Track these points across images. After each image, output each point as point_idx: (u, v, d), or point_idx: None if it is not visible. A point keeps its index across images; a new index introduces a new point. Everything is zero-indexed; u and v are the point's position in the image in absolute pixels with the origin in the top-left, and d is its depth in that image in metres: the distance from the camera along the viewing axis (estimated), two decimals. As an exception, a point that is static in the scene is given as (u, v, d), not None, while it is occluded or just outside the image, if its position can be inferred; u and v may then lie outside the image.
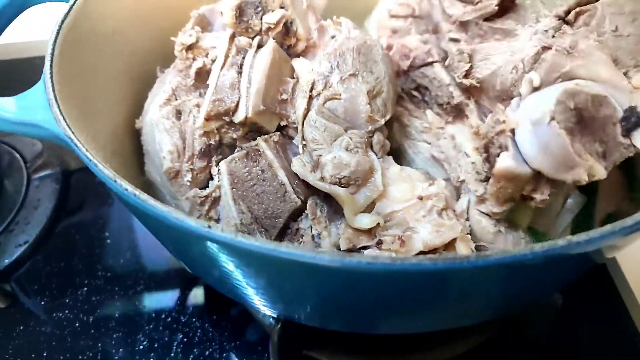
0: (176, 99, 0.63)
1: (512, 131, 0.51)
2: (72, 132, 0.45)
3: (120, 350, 0.73)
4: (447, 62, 0.61)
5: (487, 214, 0.58)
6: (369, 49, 0.61)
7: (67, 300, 0.79)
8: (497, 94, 0.57)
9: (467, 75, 0.59)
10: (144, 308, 0.77)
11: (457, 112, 0.62)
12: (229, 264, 0.46)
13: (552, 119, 0.47)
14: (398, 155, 0.68)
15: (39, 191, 0.90)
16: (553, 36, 0.53)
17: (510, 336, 0.73)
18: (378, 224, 0.56)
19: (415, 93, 0.67)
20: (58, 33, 0.53)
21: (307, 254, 0.35)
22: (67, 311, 0.78)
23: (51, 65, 0.50)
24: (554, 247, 0.35)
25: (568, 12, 0.56)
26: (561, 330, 0.73)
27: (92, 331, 0.75)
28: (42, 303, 0.79)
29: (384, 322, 0.58)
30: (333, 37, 0.65)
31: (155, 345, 0.73)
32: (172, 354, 0.72)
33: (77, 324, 0.76)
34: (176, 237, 0.48)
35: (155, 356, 0.72)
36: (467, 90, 0.61)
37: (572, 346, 0.72)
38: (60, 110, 0.46)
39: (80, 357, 0.73)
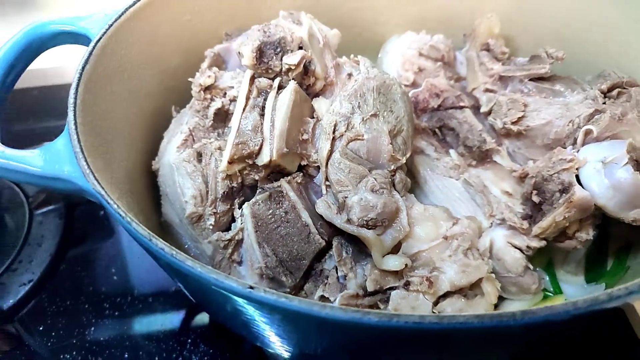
0: (194, 140, 0.63)
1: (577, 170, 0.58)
2: (102, 187, 0.44)
3: (132, 393, 0.71)
4: (488, 108, 0.67)
5: (519, 249, 0.61)
6: (388, 88, 0.62)
7: (74, 341, 0.77)
8: (547, 143, 0.63)
9: (517, 122, 0.64)
10: (153, 346, 0.75)
11: (483, 157, 0.67)
12: (260, 318, 0.46)
13: (627, 162, 0.54)
14: (414, 185, 0.70)
15: (42, 227, 0.87)
16: (604, 103, 0.63)
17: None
18: (406, 265, 0.56)
19: (437, 132, 0.70)
20: (79, 81, 0.52)
21: (355, 316, 0.35)
22: (74, 352, 0.75)
23: (75, 116, 0.49)
24: (596, 301, 0.36)
25: (609, 90, 0.66)
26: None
27: (102, 373, 0.73)
28: (49, 344, 0.77)
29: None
30: (349, 74, 0.66)
31: (168, 384, 0.72)
32: (186, 396, 0.71)
33: (86, 366, 0.74)
34: (209, 293, 0.47)
35: (167, 395, 0.71)
36: (506, 136, 0.67)
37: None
38: (87, 164, 0.45)
39: (90, 399, 0.71)
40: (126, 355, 0.75)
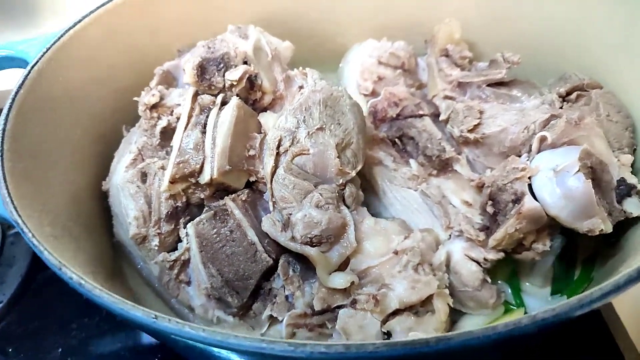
0: (143, 159, 0.62)
1: (529, 179, 0.55)
2: (19, 215, 0.43)
3: (97, 418, 0.70)
4: (446, 116, 0.65)
5: (476, 262, 0.59)
6: (335, 100, 0.60)
7: (41, 364, 0.76)
8: (503, 150, 0.61)
9: (473, 129, 0.62)
10: (122, 370, 0.74)
11: (444, 166, 0.65)
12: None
13: (579, 169, 0.52)
14: (373, 197, 0.68)
15: (14, 248, 0.87)
16: (560, 107, 0.61)
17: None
18: (352, 282, 0.55)
19: (397, 141, 0.68)
20: (11, 106, 0.52)
21: (259, 345, 0.33)
22: (41, 374, 0.75)
23: (2, 142, 0.48)
24: (517, 325, 0.34)
25: (568, 93, 0.64)
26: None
27: (69, 398, 0.72)
28: (19, 364, 0.76)
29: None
30: (300, 87, 0.64)
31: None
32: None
33: (52, 390, 0.73)
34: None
35: None
36: (464, 144, 0.64)
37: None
38: (8, 192, 0.45)
39: None
40: (93, 378, 0.75)
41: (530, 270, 0.64)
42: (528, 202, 0.53)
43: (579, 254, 0.64)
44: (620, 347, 0.69)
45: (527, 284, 0.64)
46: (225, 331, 0.35)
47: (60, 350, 0.78)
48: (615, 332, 0.71)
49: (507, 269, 0.63)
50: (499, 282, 0.62)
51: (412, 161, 0.67)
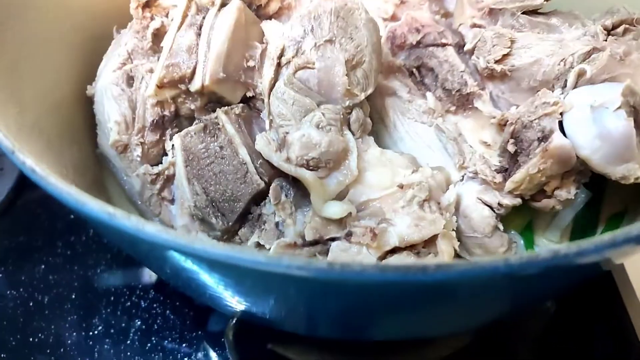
0: (132, 63, 0.56)
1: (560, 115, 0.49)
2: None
3: (74, 334, 0.68)
4: (472, 45, 0.58)
5: (489, 206, 0.53)
6: (349, 12, 0.53)
7: (22, 277, 0.74)
8: (533, 85, 0.54)
9: (501, 60, 0.55)
10: (103, 290, 0.71)
11: (464, 102, 0.58)
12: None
13: (619, 107, 0.46)
14: (383, 130, 0.62)
15: (2, 160, 0.84)
16: (605, 40, 0.53)
17: (499, 339, 0.66)
18: (350, 213, 0.49)
19: (415, 72, 0.61)
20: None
21: (232, 253, 0.28)
22: (21, 289, 0.72)
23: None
24: (534, 259, 0.28)
25: (614, 27, 0.56)
26: (555, 335, 0.66)
27: (47, 312, 0.70)
28: (-5, 277, 0.74)
29: (345, 329, 0.51)
30: (313, -3, 0.57)
31: (112, 330, 0.68)
32: (129, 341, 0.67)
33: (31, 304, 0.71)
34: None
35: (110, 342, 0.67)
36: (489, 78, 0.57)
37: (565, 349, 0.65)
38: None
39: (31, 339, 0.68)
40: (73, 296, 0.72)
41: (547, 224, 0.58)
42: (557, 139, 0.47)
43: (604, 210, 0.57)
44: (630, 314, 0.64)
45: (542, 239, 0.58)
46: (190, 235, 0.30)
47: (43, 267, 0.75)
48: (627, 298, 0.65)
49: (523, 220, 0.57)
50: (511, 232, 0.57)
51: (428, 94, 0.60)
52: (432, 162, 0.58)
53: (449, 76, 0.59)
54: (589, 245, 0.29)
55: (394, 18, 0.67)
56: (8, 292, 0.73)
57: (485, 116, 0.57)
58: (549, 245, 0.57)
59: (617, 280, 0.63)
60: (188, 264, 0.34)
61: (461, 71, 0.59)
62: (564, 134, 0.48)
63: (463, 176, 0.56)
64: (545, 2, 0.57)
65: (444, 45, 0.61)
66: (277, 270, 0.28)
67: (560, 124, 0.49)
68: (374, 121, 0.60)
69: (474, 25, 0.62)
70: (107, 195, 0.61)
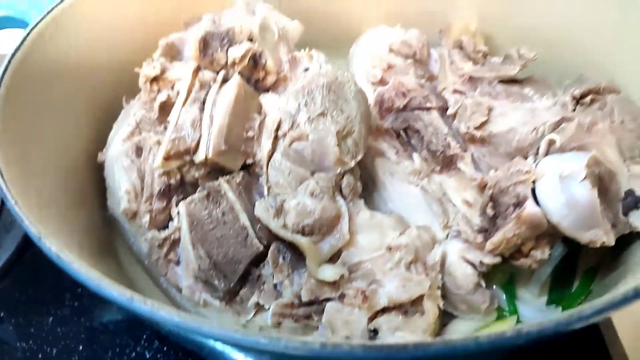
0: (140, 133, 0.60)
1: (533, 183, 0.54)
2: (4, 182, 0.42)
3: (81, 387, 0.70)
4: (453, 111, 0.63)
5: (472, 264, 0.57)
6: (340, 86, 0.58)
7: (32, 330, 0.76)
8: (509, 151, 0.59)
9: (480, 127, 0.60)
10: (108, 341, 0.74)
11: (448, 162, 0.62)
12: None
13: (585, 177, 0.50)
14: (373, 190, 0.66)
15: (9, 214, 0.87)
16: (573, 110, 0.58)
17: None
18: (342, 275, 0.53)
19: (402, 133, 0.66)
20: (6, 69, 0.50)
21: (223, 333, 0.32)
22: (30, 341, 0.75)
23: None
24: (500, 337, 0.32)
25: (582, 96, 0.61)
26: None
27: (55, 365, 0.72)
28: (9, 329, 0.77)
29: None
30: (306, 69, 0.62)
31: (118, 383, 0.70)
32: (135, 393, 0.69)
33: (40, 355, 0.74)
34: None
35: (117, 395, 0.69)
36: (471, 141, 0.62)
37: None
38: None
39: (39, 392, 0.70)
40: (80, 348, 0.74)
41: (527, 278, 0.61)
42: (529, 207, 0.51)
43: (580, 264, 0.61)
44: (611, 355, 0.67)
45: (523, 291, 0.61)
46: (199, 319, 0.34)
47: (51, 319, 0.78)
48: (609, 340, 0.68)
49: (504, 274, 0.61)
50: (494, 287, 0.60)
51: (415, 155, 0.65)
52: (419, 221, 0.62)
53: (433, 138, 0.64)
54: (549, 323, 0.33)
55: (382, 82, 0.72)
56: (18, 344, 0.75)
57: (466, 177, 0.62)
58: (531, 299, 0.60)
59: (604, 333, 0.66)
60: (198, 337, 0.37)
61: (445, 134, 0.63)
62: (537, 200, 0.53)
63: (447, 234, 0.60)
64: (518, 73, 0.62)
65: (428, 108, 0.66)
66: (276, 350, 0.32)
67: (533, 190, 0.53)
68: (365, 180, 0.65)
69: (456, 91, 0.67)
70: (116, 255, 0.64)
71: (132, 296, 0.35)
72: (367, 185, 0.65)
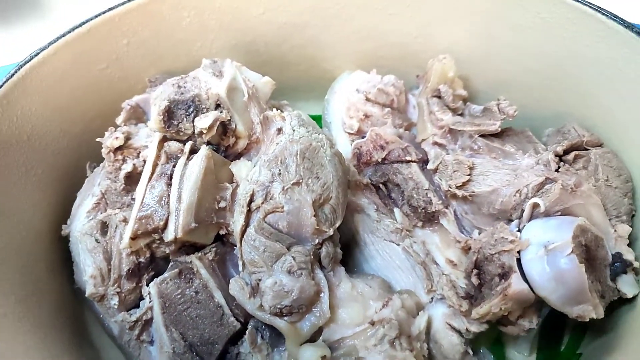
0: (107, 204, 0.57)
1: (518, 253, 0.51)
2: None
3: None
4: (434, 166, 0.61)
5: (458, 331, 0.55)
6: (314, 151, 0.55)
7: None
8: (492, 212, 0.56)
9: (462, 186, 0.58)
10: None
11: (429, 218, 0.60)
12: None
13: (572, 251, 0.48)
14: (354, 247, 0.64)
15: None
16: (557, 170, 0.56)
17: None
18: (324, 356, 0.51)
19: (381, 187, 0.64)
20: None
21: None
22: None
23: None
24: None
25: (564, 153, 0.60)
26: None
27: None
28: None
29: None
30: (279, 129, 0.59)
31: None
32: None
33: None
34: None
35: None
36: (453, 198, 0.60)
37: None
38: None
39: None
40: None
41: (515, 338, 0.60)
42: (515, 284, 0.49)
43: (568, 321, 0.60)
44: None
45: (512, 351, 0.60)
46: None
47: None
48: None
49: (492, 334, 0.59)
50: (481, 349, 0.59)
51: (396, 210, 0.62)
52: (402, 282, 0.60)
53: (414, 194, 0.61)
54: None
55: (359, 132, 0.69)
56: None
57: (450, 234, 0.60)
58: (518, 357, 0.59)
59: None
60: None
61: (425, 189, 0.61)
62: (522, 269, 0.51)
63: (432, 298, 0.58)
64: (499, 128, 0.60)
65: (408, 161, 0.64)
66: None
67: (519, 260, 0.51)
68: (346, 237, 0.62)
69: (436, 143, 0.65)
70: (87, 332, 0.61)
71: None
72: (347, 242, 0.63)
